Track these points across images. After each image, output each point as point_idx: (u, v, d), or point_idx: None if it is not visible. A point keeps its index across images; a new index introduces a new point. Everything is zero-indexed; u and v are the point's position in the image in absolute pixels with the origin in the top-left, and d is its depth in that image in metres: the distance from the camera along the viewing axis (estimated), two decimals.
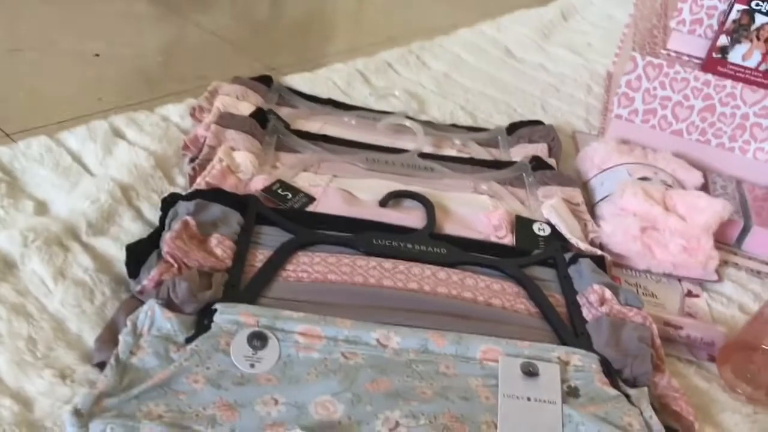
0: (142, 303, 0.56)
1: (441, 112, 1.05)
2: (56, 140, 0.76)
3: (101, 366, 0.52)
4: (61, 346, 0.54)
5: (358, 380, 0.53)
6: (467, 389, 0.55)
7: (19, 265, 0.60)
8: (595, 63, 1.33)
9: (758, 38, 0.89)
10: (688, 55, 0.96)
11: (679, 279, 0.78)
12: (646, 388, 0.58)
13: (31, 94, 0.88)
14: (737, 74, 0.91)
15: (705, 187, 0.90)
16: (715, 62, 0.92)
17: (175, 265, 0.59)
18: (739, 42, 0.90)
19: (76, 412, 0.47)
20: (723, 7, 0.92)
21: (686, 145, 0.97)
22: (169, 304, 0.55)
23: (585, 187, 0.90)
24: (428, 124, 0.97)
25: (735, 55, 0.91)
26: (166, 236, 0.60)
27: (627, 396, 0.57)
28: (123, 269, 0.61)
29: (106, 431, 0.46)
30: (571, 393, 0.56)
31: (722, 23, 0.91)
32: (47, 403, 0.50)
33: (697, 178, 0.89)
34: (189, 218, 0.63)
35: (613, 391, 0.56)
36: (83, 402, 0.47)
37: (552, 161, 0.91)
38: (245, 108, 0.87)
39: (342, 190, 0.77)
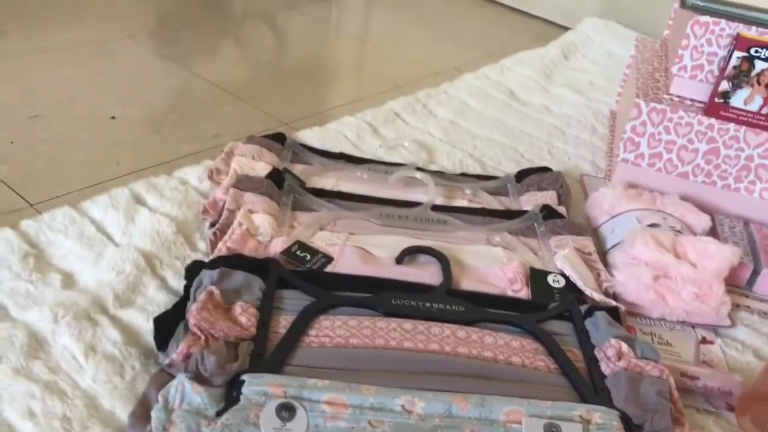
0: (171, 376, 0.57)
1: (450, 160, 1.07)
2: (79, 210, 0.79)
3: None
4: (95, 423, 0.55)
5: None
6: None
7: (50, 341, 0.62)
8: (597, 102, 1.35)
9: (759, 83, 0.91)
10: (691, 100, 0.98)
11: (693, 326, 0.79)
12: None
13: (51, 162, 0.91)
14: (740, 118, 0.93)
15: (713, 230, 0.92)
16: (717, 107, 0.94)
17: (202, 337, 0.60)
18: (741, 87, 0.92)
19: None
20: (723, 53, 0.94)
21: (692, 187, 0.99)
22: (198, 377, 0.57)
23: (595, 233, 0.91)
24: (438, 174, 0.99)
25: (737, 100, 0.93)
26: (192, 308, 0.62)
27: None
28: (151, 341, 0.62)
29: None
30: None
31: (723, 69, 0.93)
32: None
33: (705, 221, 0.90)
34: (213, 288, 0.64)
35: None
36: None
37: (562, 209, 0.92)
38: (261, 168, 0.89)
39: (359, 248, 0.79)
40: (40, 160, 0.91)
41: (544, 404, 0.60)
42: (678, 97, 0.99)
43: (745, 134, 0.94)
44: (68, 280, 0.70)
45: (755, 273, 0.85)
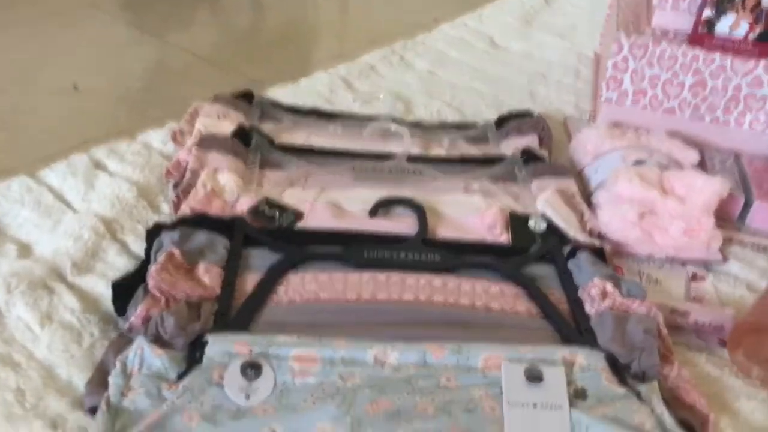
0: (131, 341, 0.55)
1: (428, 111, 1.03)
2: (36, 179, 0.75)
3: (94, 411, 0.50)
4: (51, 394, 0.53)
5: (357, 403, 0.51)
6: (470, 401, 0.53)
7: (4, 312, 0.59)
8: (581, 45, 1.30)
9: (743, 8, 0.87)
10: (675, 31, 0.94)
11: (683, 262, 0.76)
12: (656, 383, 0.56)
13: (10, 133, 0.87)
14: (725, 46, 0.89)
15: (702, 164, 0.88)
16: (701, 36, 0.90)
17: (162, 299, 0.57)
18: (725, 13, 0.88)
19: None
20: None
21: (680, 123, 0.95)
22: (158, 340, 0.54)
23: (580, 175, 0.88)
24: (415, 125, 0.95)
25: (722, 27, 0.89)
26: (152, 269, 0.59)
27: (637, 393, 0.55)
28: (110, 307, 0.59)
29: None
30: (578, 395, 0.54)
31: None
32: None
33: (693, 156, 0.87)
34: (174, 248, 0.61)
35: (622, 390, 0.55)
36: None
37: (544, 152, 0.89)
38: (227, 127, 0.86)
39: (330, 204, 0.75)
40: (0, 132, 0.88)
41: (524, 348, 0.57)
42: (660, 29, 0.95)
43: (732, 63, 0.90)
44: (24, 250, 0.67)
45: (747, 206, 0.82)
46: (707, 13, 0.88)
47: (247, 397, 0.51)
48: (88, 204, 0.73)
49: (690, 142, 0.91)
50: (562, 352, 0.57)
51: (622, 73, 0.94)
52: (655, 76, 0.93)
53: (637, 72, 0.93)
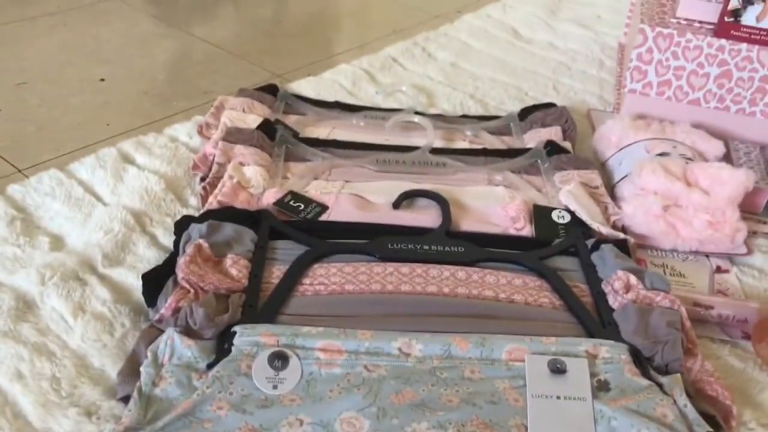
0: (161, 332, 0.56)
1: (450, 103, 1.03)
2: (66, 172, 0.77)
3: (126, 400, 0.52)
4: (85, 382, 0.54)
5: (382, 393, 0.52)
6: (494, 392, 0.54)
7: (39, 303, 0.61)
8: (605, 36, 1.30)
9: None
10: (700, 22, 0.93)
11: (707, 255, 0.76)
12: (678, 375, 0.56)
13: (40, 127, 0.89)
14: (752, 36, 0.88)
15: (727, 156, 0.88)
16: (728, 26, 0.89)
17: (192, 291, 0.59)
18: (752, 3, 0.87)
19: None
20: None
21: (705, 114, 0.94)
22: (188, 331, 0.55)
23: (603, 167, 0.88)
24: (438, 117, 0.96)
25: (748, 17, 0.88)
26: (181, 261, 0.60)
27: (659, 385, 0.55)
28: (141, 298, 0.61)
29: None
30: (601, 387, 0.55)
31: None
32: None
33: (718, 148, 0.86)
34: (202, 241, 0.63)
35: (645, 381, 0.55)
36: None
37: (567, 144, 0.89)
38: (252, 120, 0.87)
39: (354, 196, 0.76)
40: (28, 125, 0.89)
41: (548, 341, 0.57)
42: (686, 20, 0.94)
43: (759, 54, 0.89)
44: (56, 242, 0.68)
45: None
46: (734, 2, 0.87)
47: (275, 387, 0.52)
48: (117, 197, 0.74)
49: (715, 133, 0.91)
50: (586, 344, 0.57)
51: (647, 64, 0.93)
52: (680, 67, 0.92)
53: (661, 63, 0.93)
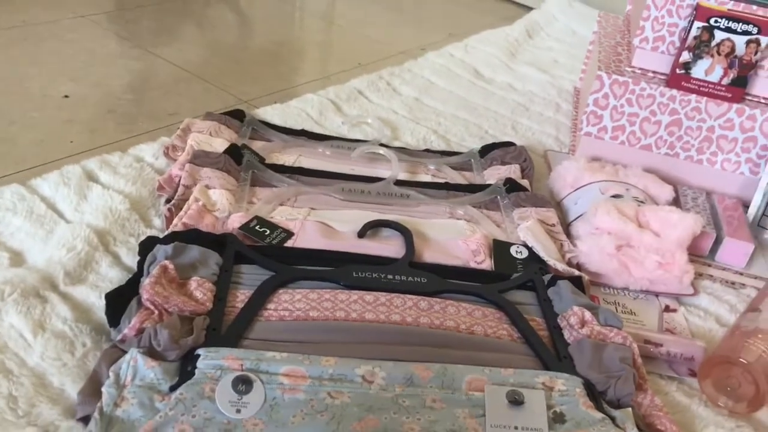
0: (123, 352, 0.56)
1: (414, 137, 1.06)
2: (29, 188, 0.76)
3: (86, 420, 0.51)
4: (43, 402, 0.53)
5: (345, 420, 0.53)
6: (455, 421, 0.55)
7: None
8: (561, 79, 1.35)
9: (719, 53, 0.91)
10: (653, 72, 0.98)
11: (657, 294, 0.79)
12: (630, 409, 0.58)
13: (2, 143, 0.88)
14: (701, 89, 0.94)
15: (676, 201, 0.92)
16: (679, 78, 0.94)
17: (156, 312, 0.59)
18: (701, 57, 0.92)
19: None
20: (684, 24, 0.94)
21: (656, 160, 0.99)
22: (151, 352, 0.55)
23: (559, 206, 0.91)
24: (402, 150, 0.98)
25: (698, 71, 0.93)
26: (145, 282, 0.60)
27: (612, 418, 0.57)
28: (103, 318, 0.60)
29: None
30: (557, 419, 0.56)
31: (684, 40, 0.93)
32: None
33: (668, 192, 0.91)
34: (167, 262, 0.63)
35: (599, 415, 0.57)
36: None
37: (525, 182, 0.92)
38: (219, 144, 0.87)
39: (320, 223, 0.77)
40: None
41: (506, 372, 0.59)
42: (640, 69, 0.99)
43: (707, 105, 0.94)
44: (17, 258, 0.67)
45: (717, 242, 0.85)
46: (685, 56, 0.93)
47: (238, 410, 0.53)
48: (81, 215, 0.74)
49: (665, 178, 0.95)
50: (543, 376, 0.59)
51: (603, 109, 0.98)
52: (634, 114, 0.97)
53: (616, 108, 0.97)
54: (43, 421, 0.52)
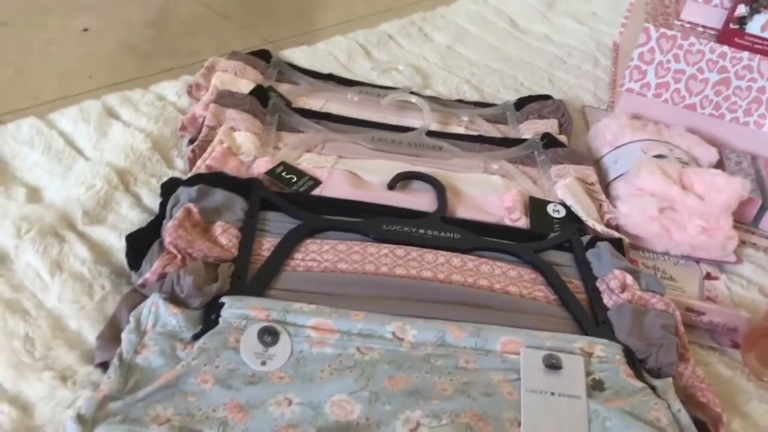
0: (144, 297, 0.53)
1: (446, 86, 1.01)
2: (47, 122, 0.73)
3: (104, 366, 0.49)
4: (60, 345, 0.51)
5: (375, 377, 0.50)
6: (489, 385, 0.52)
7: (13, 258, 0.57)
8: (600, 33, 1.29)
9: None
10: (704, 26, 0.93)
11: (698, 261, 0.75)
12: (671, 380, 0.55)
13: (18, 72, 0.84)
14: (755, 46, 0.88)
15: (720, 164, 0.88)
16: (732, 33, 0.89)
17: (179, 256, 0.56)
18: (758, 12, 0.86)
19: (79, 418, 0.44)
20: None
21: (699, 120, 0.94)
22: (173, 299, 0.53)
23: (597, 164, 0.87)
24: (434, 100, 0.94)
25: (754, 26, 0.87)
26: (168, 225, 0.57)
27: (653, 388, 0.54)
28: (122, 260, 0.58)
29: None
30: (596, 386, 0.54)
31: None
32: (48, 407, 0.47)
33: (712, 154, 0.86)
34: (191, 205, 0.60)
35: (639, 384, 0.54)
36: (86, 407, 0.45)
37: (563, 138, 0.88)
38: (244, 85, 0.83)
39: (348, 172, 0.74)
40: (6, 69, 0.84)
41: (542, 335, 0.56)
42: (689, 23, 0.93)
43: (759, 64, 0.89)
44: (34, 194, 0.65)
45: (762, 209, 0.81)
46: (741, 9, 0.87)
47: (263, 363, 0.50)
48: (100, 152, 0.71)
49: (706, 140, 0.90)
50: (581, 341, 0.56)
51: (647, 65, 0.93)
52: (680, 71, 0.92)
53: (662, 64, 0.92)
54: (60, 365, 0.50)
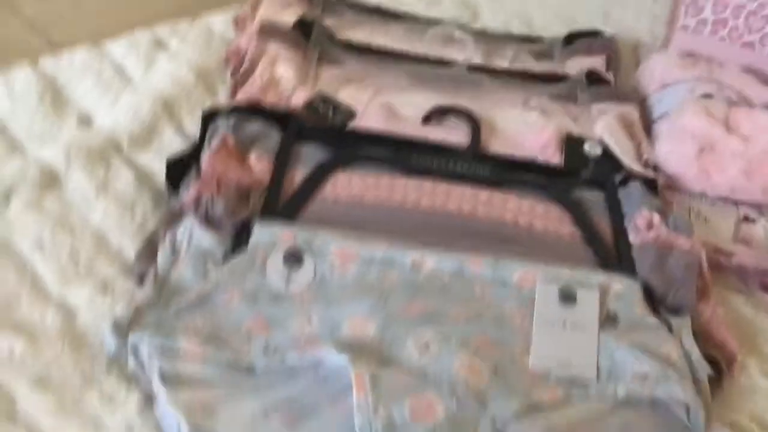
0: (180, 219, 0.57)
1: (495, 19, 0.99)
2: (100, 51, 0.76)
3: (141, 280, 0.53)
4: (102, 258, 0.56)
5: (391, 301, 0.53)
6: (502, 314, 0.54)
7: (62, 178, 0.61)
8: None
9: None
10: None
11: (736, 203, 0.74)
12: (688, 317, 0.56)
13: (73, 1, 0.88)
14: None
15: None
16: None
17: (214, 182, 0.59)
18: None
19: (116, 326, 0.49)
20: None
21: (758, 60, 0.90)
22: (207, 221, 0.56)
23: (643, 103, 0.85)
24: (480, 34, 0.92)
25: None
26: (206, 152, 0.60)
27: (668, 325, 0.55)
28: (163, 184, 0.62)
29: (145, 344, 0.48)
30: (610, 320, 0.55)
31: None
32: (89, 315, 0.52)
33: (766, 95, 0.83)
34: (228, 134, 0.63)
35: (654, 320, 0.55)
36: (123, 315, 0.49)
37: (610, 75, 0.86)
38: (289, 17, 0.84)
39: (384, 106, 0.75)
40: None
41: (561, 269, 0.57)
42: None
43: None
44: (84, 120, 0.68)
45: None
46: None
47: (288, 284, 0.53)
48: (148, 81, 0.74)
49: (765, 80, 0.87)
50: (600, 277, 0.57)
51: (704, 0, 0.89)
52: (740, 6, 0.88)
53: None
54: (101, 276, 0.54)
